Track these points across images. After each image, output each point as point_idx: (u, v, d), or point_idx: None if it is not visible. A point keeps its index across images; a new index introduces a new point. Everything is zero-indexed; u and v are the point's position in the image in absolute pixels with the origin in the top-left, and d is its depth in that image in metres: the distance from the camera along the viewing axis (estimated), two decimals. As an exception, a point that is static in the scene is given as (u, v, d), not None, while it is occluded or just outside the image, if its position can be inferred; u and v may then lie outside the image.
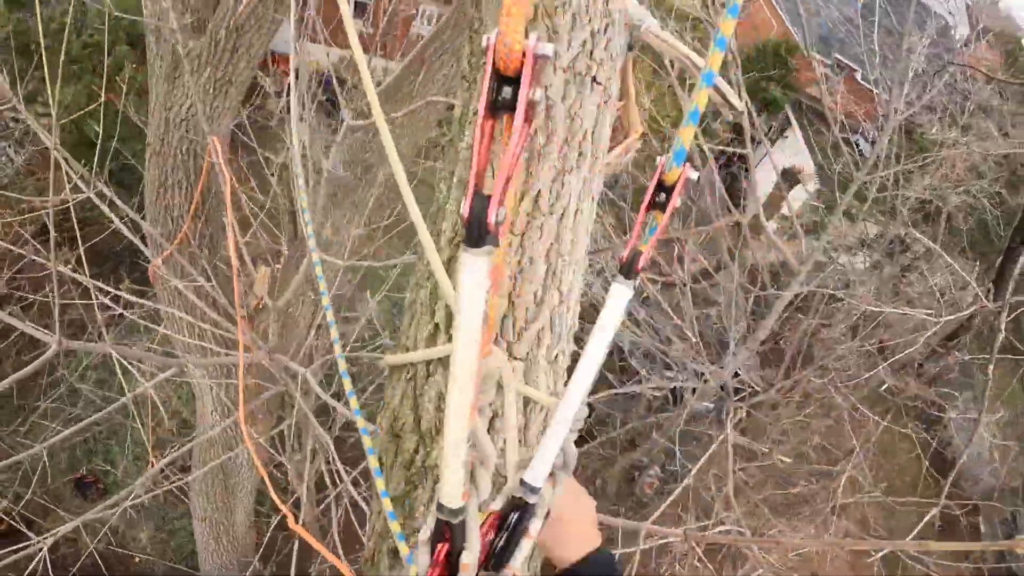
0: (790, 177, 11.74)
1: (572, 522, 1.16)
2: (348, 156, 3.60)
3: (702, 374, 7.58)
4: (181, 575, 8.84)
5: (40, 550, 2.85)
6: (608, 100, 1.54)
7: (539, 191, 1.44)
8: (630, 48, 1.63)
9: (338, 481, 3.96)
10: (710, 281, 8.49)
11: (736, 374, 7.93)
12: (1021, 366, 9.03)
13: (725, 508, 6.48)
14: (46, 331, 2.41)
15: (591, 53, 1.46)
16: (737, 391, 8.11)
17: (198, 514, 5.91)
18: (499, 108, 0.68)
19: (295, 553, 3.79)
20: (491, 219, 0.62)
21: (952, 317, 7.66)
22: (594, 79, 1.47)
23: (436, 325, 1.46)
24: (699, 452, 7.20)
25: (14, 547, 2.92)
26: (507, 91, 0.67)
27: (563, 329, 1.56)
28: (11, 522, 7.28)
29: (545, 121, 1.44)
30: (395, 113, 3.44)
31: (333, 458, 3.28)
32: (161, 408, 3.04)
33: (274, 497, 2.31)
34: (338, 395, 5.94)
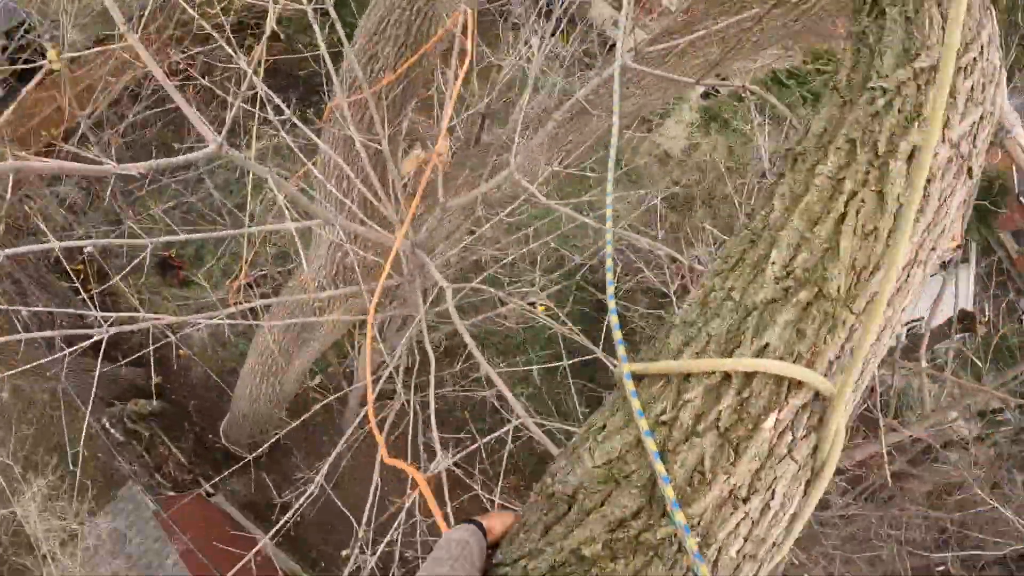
0: (965, 319, 10.74)
1: None
2: (596, 94, 3.21)
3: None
4: (213, 386, 9.09)
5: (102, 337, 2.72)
6: (968, 201, 1.36)
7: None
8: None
9: (410, 394, 3.76)
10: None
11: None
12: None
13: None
14: (211, 128, 2.20)
15: (975, 138, 1.31)
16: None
17: (258, 347, 5.90)
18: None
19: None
20: None
21: None
22: (970, 169, 1.31)
23: (726, 376, 1.10)
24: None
25: (81, 331, 2.83)
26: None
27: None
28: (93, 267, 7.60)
29: (926, 193, 1.24)
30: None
31: (427, 370, 3.01)
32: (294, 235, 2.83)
33: (370, 406, 2.05)
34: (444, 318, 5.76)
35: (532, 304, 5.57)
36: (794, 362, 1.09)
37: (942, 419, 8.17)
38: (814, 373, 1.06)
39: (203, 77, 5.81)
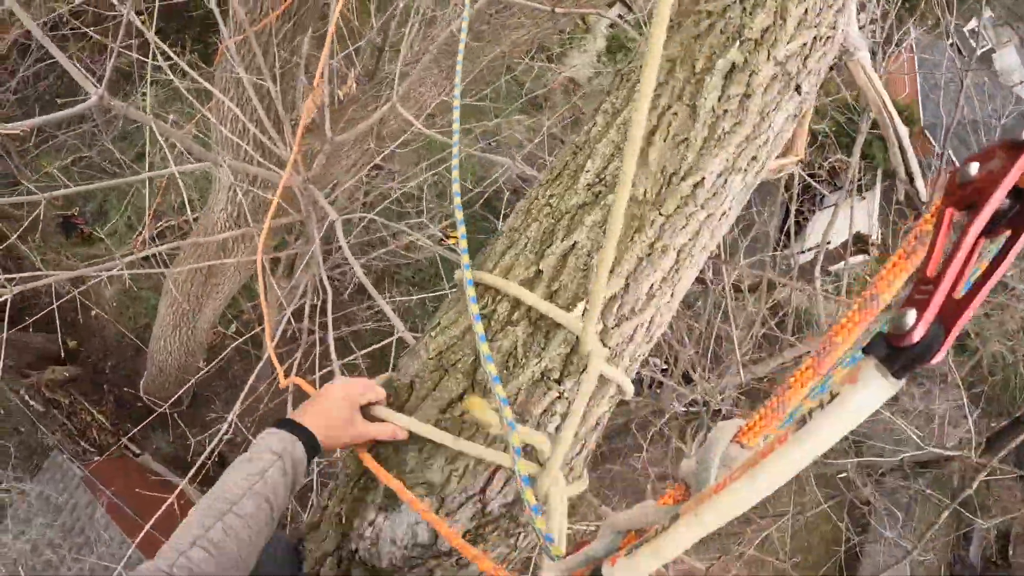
0: (859, 241, 11.34)
1: None
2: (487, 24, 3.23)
3: (690, 379, 7.45)
4: (127, 344, 8.86)
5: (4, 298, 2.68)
6: (797, 115, 1.44)
7: (702, 179, 1.28)
8: (830, 70, 1.55)
9: (313, 328, 3.82)
10: (739, 298, 8.27)
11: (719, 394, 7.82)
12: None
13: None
14: (91, 78, 2.17)
15: (805, 59, 1.37)
16: (714, 411, 8.03)
17: (168, 297, 5.80)
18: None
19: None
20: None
21: (933, 451, 7.48)
22: (798, 87, 1.37)
23: (539, 272, 1.23)
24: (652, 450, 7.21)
25: None
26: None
27: (652, 336, 1.37)
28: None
29: (739, 108, 1.31)
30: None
31: (325, 306, 3.06)
32: (181, 184, 2.81)
33: (268, 335, 2.12)
34: (354, 252, 5.75)
35: (444, 237, 5.64)
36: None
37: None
38: (565, 315, 1.18)
39: (93, 26, 5.51)
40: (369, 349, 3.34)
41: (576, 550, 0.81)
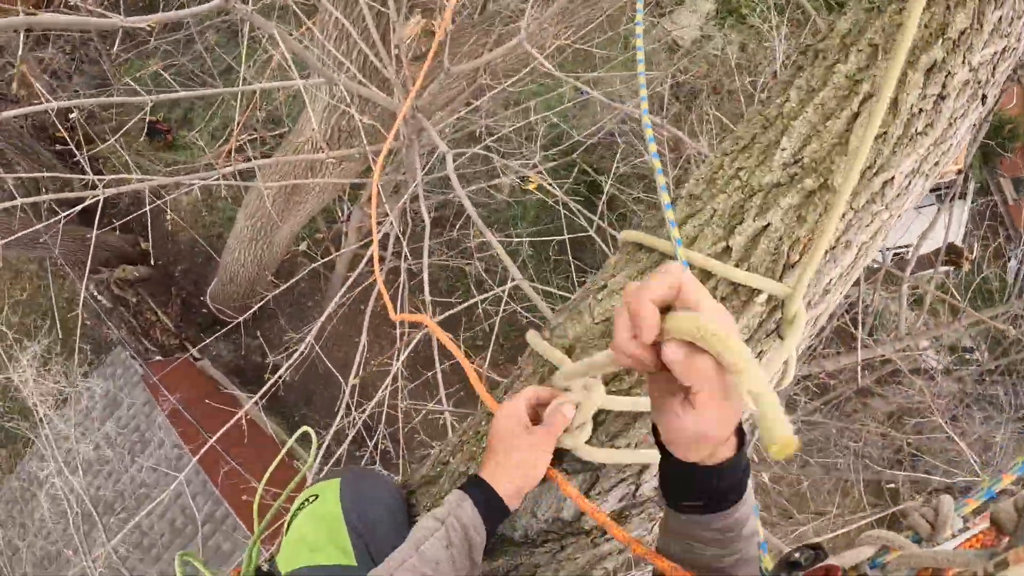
0: (952, 252, 10.76)
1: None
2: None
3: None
4: (200, 251, 9.06)
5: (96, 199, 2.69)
6: (976, 126, 1.40)
7: (892, 177, 1.20)
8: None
9: (400, 261, 3.77)
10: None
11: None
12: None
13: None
14: None
15: (994, 68, 1.31)
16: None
17: (248, 210, 5.84)
18: None
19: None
20: None
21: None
22: (984, 96, 1.32)
23: (727, 248, 1.12)
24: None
25: (74, 194, 2.80)
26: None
27: (815, 331, 1.36)
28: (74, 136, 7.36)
29: (933, 109, 1.23)
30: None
31: (422, 235, 2.98)
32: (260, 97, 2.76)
33: (376, 270, 2.06)
34: (437, 187, 5.66)
35: (524, 179, 5.47)
36: (791, 244, 1.10)
37: (913, 345, 8.40)
38: (771, 281, 1.09)
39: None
40: (488, 294, 3.23)
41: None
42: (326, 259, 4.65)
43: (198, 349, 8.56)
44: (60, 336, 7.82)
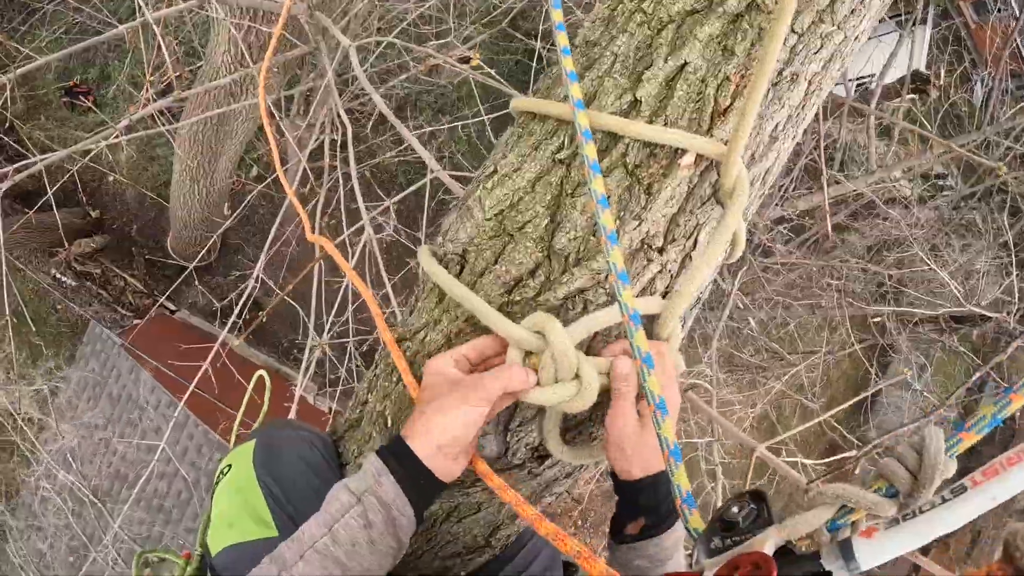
0: (918, 79, 10.44)
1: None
2: None
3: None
4: (150, 204, 8.72)
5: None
6: None
7: None
8: None
9: (336, 163, 3.54)
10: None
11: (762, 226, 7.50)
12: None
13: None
14: None
15: None
16: (755, 246, 7.77)
17: (181, 151, 5.51)
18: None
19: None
20: None
21: (972, 309, 7.11)
22: None
23: (635, 101, 0.90)
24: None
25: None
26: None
27: (769, 183, 1.11)
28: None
29: None
30: None
31: (346, 141, 2.74)
32: (158, 35, 2.45)
33: (282, 179, 1.85)
34: (372, 82, 5.29)
35: (465, 60, 5.14)
36: (720, 85, 0.89)
37: (886, 177, 8.27)
38: (697, 137, 0.88)
39: None
40: (402, 194, 3.05)
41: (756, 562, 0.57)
42: (266, 180, 4.37)
43: (173, 301, 8.39)
44: (34, 329, 7.60)
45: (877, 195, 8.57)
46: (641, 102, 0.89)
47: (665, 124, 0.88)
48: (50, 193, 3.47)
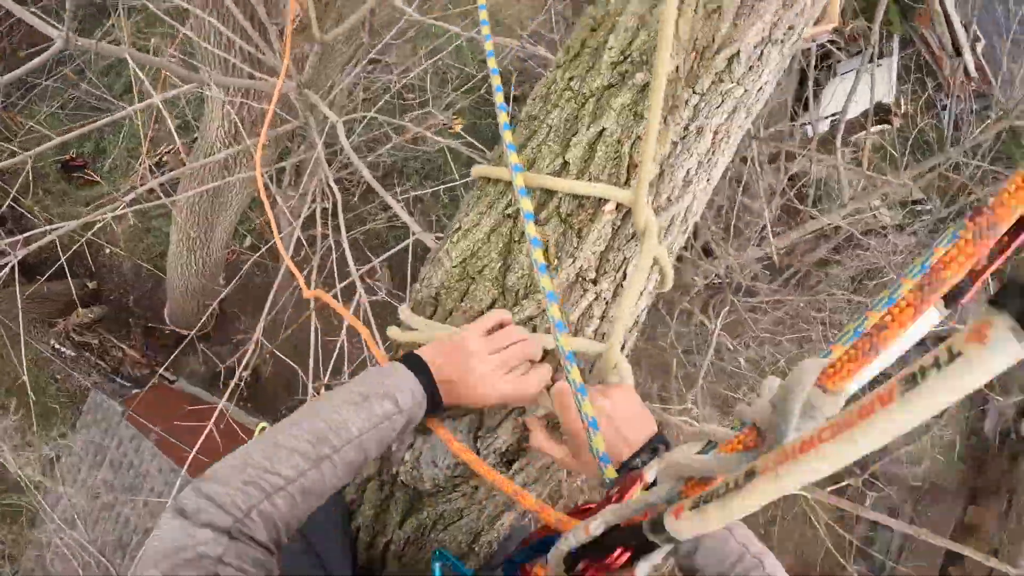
0: (881, 112, 10.87)
1: (627, 415, 1.00)
2: None
3: (709, 252, 7.34)
4: (147, 276, 8.89)
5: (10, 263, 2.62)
6: None
7: (737, 52, 1.15)
8: None
9: (328, 230, 3.73)
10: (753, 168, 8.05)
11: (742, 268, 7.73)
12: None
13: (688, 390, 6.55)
14: (54, 24, 2.02)
15: None
16: (737, 285, 7.97)
17: (178, 222, 5.72)
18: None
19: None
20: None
21: (954, 328, 7.29)
22: None
23: (565, 164, 1.11)
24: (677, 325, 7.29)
25: None
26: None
27: (689, 225, 1.28)
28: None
29: None
30: None
31: (336, 210, 2.94)
32: (164, 112, 2.67)
33: (279, 246, 2.04)
34: (360, 151, 5.56)
35: (448, 126, 5.41)
36: (632, 144, 1.10)
37: (863, 206, 8.56)
38: (613, 188, 1.08)
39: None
40: (387, 255, 3.24)
41: (628, 486, 0.74)
42: (259, 251, 4.57)
43: (171, 372, 8.49)
44: (34, 398, 7.71)
45: (857, 227, 8.84)
46: (570, 163, 1.11)
47: (590, 179, 1.09)
48: (63, 261, 3.65)
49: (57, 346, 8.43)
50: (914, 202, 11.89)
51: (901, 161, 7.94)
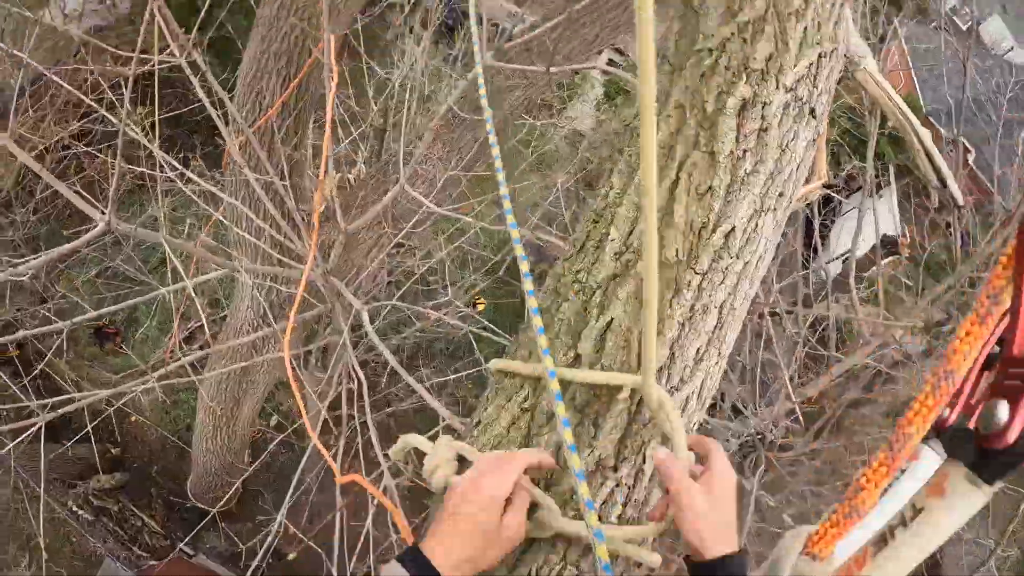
0: (888, 244, 11.09)
1: (710, 515, 1.01)
2: (464, 92, 3.24)
3: (739, 411, 7.19)
4: (171, 447, 8.89)
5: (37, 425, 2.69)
6: (815, 139, 1.36)
7: (733, 227, 1.21)
8: (838, 83, 1.47)
9: (354, 413, 3.75)
10: (776, 322, 8.07)
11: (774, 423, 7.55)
12: None
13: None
14: (97, 206, 2.20)
15: (815, 79, 1.29)
16: (770, 443, 7.75)
17: (204, 401, 5.82)
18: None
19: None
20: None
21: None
22: (812, 110, 1.30)
23: (577, 356, 1.17)
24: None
25: (17, 424, 2.80)
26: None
27: (705, 401, 1.29)
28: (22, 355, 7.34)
29: (757, 145, 1.23)
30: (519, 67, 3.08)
31: (362, 392, 2.98)
32: (194, 295, 2.82)
33: (307, 426, 2.08)
34: (384, 333, 5.72)
35: (472, 305, 5.59)
36: (640, 331, 1.15)
37: (888, 340, 8.46)
38: (622, 374, 1.13)
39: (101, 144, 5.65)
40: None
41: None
42: (286, 432, 4.61)
43: (191, 545, 8.24)
44: (46, 559, 7.47)
45: (883, 362, 8.70)
46: (582, 356, 1.15)
47: (601, 369, 1.13)
48: (88, 428, 3.70)
49: (75, 508, 8.29)
50: (937, 324, 11.79)
51: (917, 287, 7.98)
